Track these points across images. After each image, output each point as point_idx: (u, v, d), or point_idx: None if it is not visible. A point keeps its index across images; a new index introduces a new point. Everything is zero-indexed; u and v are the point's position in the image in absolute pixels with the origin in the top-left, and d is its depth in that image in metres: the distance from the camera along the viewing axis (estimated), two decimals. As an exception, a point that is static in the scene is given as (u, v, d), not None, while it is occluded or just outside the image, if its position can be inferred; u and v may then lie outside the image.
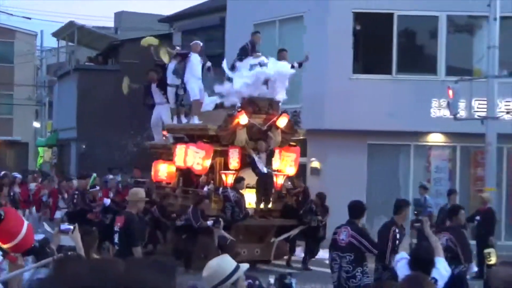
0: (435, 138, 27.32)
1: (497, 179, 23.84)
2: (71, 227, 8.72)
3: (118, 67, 40.55)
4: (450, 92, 22.73)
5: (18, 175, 30.05)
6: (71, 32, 45.44)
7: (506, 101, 25.51)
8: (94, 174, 26.83)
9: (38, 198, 29.46)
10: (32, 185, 30.75)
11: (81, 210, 22.17)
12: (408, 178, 27.17)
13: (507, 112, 25.39)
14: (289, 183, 22.11)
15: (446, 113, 24.27)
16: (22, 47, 57.08)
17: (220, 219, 19.31)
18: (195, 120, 22.26)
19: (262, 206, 20.83)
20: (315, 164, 28.07)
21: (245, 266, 5.91)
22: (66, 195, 26.73)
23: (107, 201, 22.46)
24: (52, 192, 28.96)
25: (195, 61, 22.90)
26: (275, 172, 21.12)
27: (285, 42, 29.69)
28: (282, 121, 21.20)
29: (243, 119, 20.36)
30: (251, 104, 21.25)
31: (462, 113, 23.68)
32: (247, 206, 20.52)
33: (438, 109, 26.06)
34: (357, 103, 26.87)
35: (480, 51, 24.53)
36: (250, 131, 20.93)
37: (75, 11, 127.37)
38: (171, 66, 23.78)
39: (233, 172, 20.77)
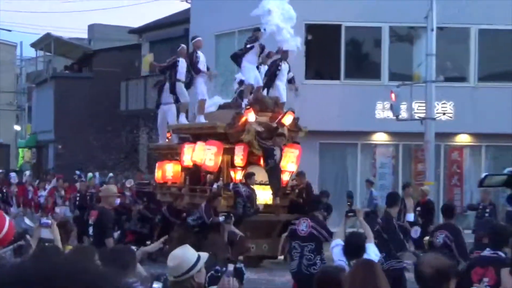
0: (380, 137, 27.43)
1: (436, 174, 24.00)
2: (50, 221, 8.73)
3: (91, 75, 40.47)
4: (393, 95, 22.85)
5: (14, 175, 29.33)
6: (48, 43, 45.10)
7: (443, 103, 25.72)
8: (90, 174, 26.41)
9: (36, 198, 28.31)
10: (53, 182, 28.70)
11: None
12: (356, 173, 27.25)
13: (444, 113, 25.62)
14: (293, 180, 21.03)
15: (389, 114, 24.39)
16: (4, 57, 56.64)
17: (231, 215, 17.85)
18: (201, 119, 20.65)
19: (273, 200, 19.69)
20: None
21: (205, 255, 5.82)
22: (62, 192, 26.22)
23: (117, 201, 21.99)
24: (50, 191, 27.59)
25: (202, 59, 21.24)
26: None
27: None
28: (287, 119, 20.08)
29: (251, 116, 19.23)
30: (258, 102, 20.02)
31: (403, 115, 23.76)
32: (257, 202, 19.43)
33: (382, 111, 26.15)
34: (310, 106, 26.87)
35: (419, 59, 24.64)
36: (259, 128, 19.67)
37: (51, 23, 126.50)
38: (183, 64, 21.35)
39: (241, 168, 19.55)
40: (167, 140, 22.93)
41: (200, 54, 21.09)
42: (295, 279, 13.12)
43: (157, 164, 22.65)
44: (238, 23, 29.38)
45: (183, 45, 21.91)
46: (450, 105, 26.42)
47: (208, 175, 20.19)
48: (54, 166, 38.86)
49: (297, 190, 20.74)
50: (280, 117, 19.96)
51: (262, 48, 20.81)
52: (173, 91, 21.27)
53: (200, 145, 19.61)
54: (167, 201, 21.06)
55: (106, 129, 36.61)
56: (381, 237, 12.50)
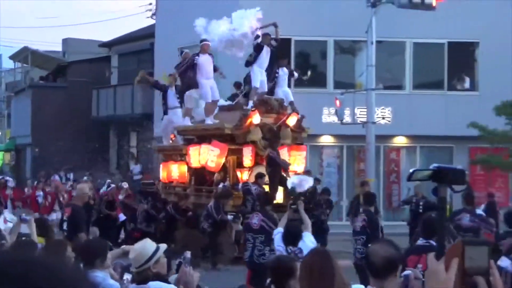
0: (326, 140, 27.56)
1: (376, 172, 24.16)
2: (28, 217, 8.74)
3: (65, 84, 40.16)
4: (337, 102, 22.96)
5: (10, 179, 28.27)
6: (25, 55, 44.72)
7: (382, 109, 25.94)
8: (85, 178, 25.60)
9: (34, 199, 26.39)
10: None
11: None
12: (305, 172, 27.37)
13: (383, 118, 25.87)
14: None
15: (334, 119, 24.49)
16: (-15, 69, 56.07)
17: (240, 215, 17.05)
18: (209, 121, 19.13)
19: (283, 199, 17.90)
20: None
21: (163, 246, 5.85)
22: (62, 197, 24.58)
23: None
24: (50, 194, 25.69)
25: (206, 62, 19.49)
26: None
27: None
28: (292, 120, 18.97)
29: (256, 118, 17.91)
30: (263, 104, 18.75)
31: (347, 119, 23.81)
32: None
33: (328, 116, 26.26)
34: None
35: (361, 69, 24.78)
36: (263, 129, 18.36)
37: (29, 38, 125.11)
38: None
39: (248, 169, 18.26)
40: (171, 141, 21.69)
41: (204, 57, 19.50)
42: (249, 268, 13.17)
43: (161, 165, 21.50)
44: (199, 37, 29.31)
45: (206, 41, 19.76)
46: (388, 110, 26.69)
47: (215, 175, 18.86)
48: (31, 169, 38.47)
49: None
50: (284, 118, 18.96)
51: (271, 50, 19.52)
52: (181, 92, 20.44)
53: (204, 146, 18.47)
54: (172, 201, 19.77)
55: (79, 133, 36.54)
56: (366, 233, 12.61)
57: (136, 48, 36.32)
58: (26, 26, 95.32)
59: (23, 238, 8.23)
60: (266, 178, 17.82)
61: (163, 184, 21.10)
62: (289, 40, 27.94)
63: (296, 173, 18.64)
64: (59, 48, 50.00)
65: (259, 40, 19.15)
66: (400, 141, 27.98)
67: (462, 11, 25.65)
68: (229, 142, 18.33)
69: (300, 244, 9.02)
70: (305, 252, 8.47)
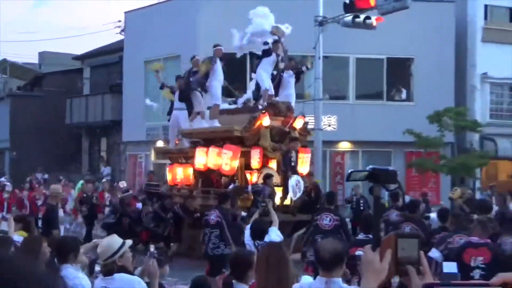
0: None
1: (322, 174, 24.30)
2: (8, 216, 8.72)
3: (41, 94, 39.76)
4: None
5: (7, 182, 27.03)
6: (4, 67, 44.11)
7: (328, 117, 26.11)
8: (81, 181, 23.80)
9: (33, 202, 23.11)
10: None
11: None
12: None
13: (329, 125, 26.06)
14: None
15: (286, 126, 24.61)
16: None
17: (247, 217, 14.97)
18: (216, 123, 17.49)
19: (287, 202, 16.76)
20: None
21: (129, 242, 5.83)
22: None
23: (139, 205, 19.65)
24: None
25: (219, 66, 18.17)
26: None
27: (167, 74, 29.59)
28: (298, 123, 17.66)
29: (265, 120, 16.53)
30: (272, 107, 17.18)
31: (297, 126, 23.92)
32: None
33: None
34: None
35: (309, 81, 24.84)
36: (272, 132, 17.03)
37: (8, 50, 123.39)
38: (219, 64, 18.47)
39: (257, 171, 16.74)
40: (175, 143, 19.87)
41: (218, 61, 18.04)
42: (206, 260, 13.15)
43: (167, 167, 19.69)
44: (163, 51, 29.28)
45: (219, 46, 18.26)
46: (334, 118, 26.90)
47: (223, 178, 17.20)
48: (10, 171, 37.92)
49: (307, 191, 17.88)
50: (291, 121, 17.66)
51: (279, 58, 18.26)
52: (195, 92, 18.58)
53: (213, 149, 16.66)
54: (179, 202, 18.10)
55: (54, 138, 36.27)
56: (339, 232, 12.36)
57: (106, 61, 36.16)
58: (5, 40, 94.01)
59: (0, 235, 8.17)
60: (274, 179, 16.57)
61: (169, 186, 19.38)
62: (244, 55, 28.00)
63: (302, 175, 17.39)
64: (35, 60, 49.50)
65: (269, 46, 18.12)
66: (344, 146, 28.24)
67: (399, 31, 26.00)
68: (237, 144, 16.89)
69: (266, 238, 9.05)
70: None
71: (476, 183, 27.10)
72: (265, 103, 17.40)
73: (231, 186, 16.74)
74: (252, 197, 15.70)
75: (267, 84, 17.72)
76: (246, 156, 16.83)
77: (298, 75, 19.72)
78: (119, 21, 33.93)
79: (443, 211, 11.61)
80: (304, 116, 18.34)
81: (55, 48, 42.19)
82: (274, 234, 9.24)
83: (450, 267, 6.07)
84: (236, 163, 16.19)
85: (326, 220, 12.40)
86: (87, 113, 35.52)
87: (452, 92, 28.64)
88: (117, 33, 35.12)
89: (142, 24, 30.35)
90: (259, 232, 9.37)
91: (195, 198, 17.59)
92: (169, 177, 19.33)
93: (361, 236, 9.30)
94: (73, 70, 39.33)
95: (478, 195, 23.67)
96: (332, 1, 22.04)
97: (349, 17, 19.99)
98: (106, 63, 36.19)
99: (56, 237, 10.08)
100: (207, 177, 17.93)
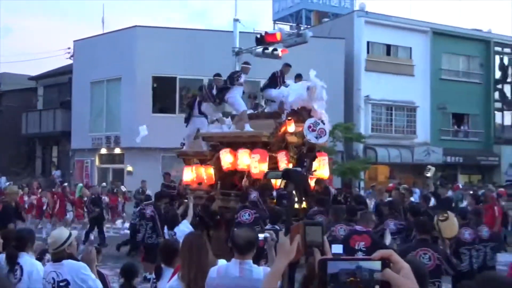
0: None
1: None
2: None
3: (1, 109, 38.54)
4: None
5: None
6: (-32, 85, 42.50)
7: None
8: (80, 185, 21.19)
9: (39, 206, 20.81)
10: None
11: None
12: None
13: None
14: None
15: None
16: None
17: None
18: (247, 127, 14.30)
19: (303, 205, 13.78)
20: (130, 168, 27.61)
21: (75, 233, 5.69)
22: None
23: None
24: (59, 197, 20.39)
25: (242, 82, 14.87)
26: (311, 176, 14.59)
27: (109, 97, 29.31)
28: None
29: (291, 127, 14.16)
30: (295, 114, 14.45)
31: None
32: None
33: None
34: (156, 130, 26.72)
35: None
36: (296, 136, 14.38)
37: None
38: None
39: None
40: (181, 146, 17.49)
41: (243, 77, 14.91)
42: (143, 247, 12.90)
43: (184, 168, 16.98)
44: (106, 74, 28.86)
45: (247, 64, 15.49)
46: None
47: (244, 180, 14.37)
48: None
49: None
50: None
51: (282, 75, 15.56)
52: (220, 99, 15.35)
53: (243, 151, 14.13)
54: (200, 203, 14.56)
55: (12, 147, 35.32)
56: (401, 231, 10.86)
57: (58, 81, 35.45)
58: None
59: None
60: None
61: (185, 186, 16.50)
62: (175, 78, 27.95)
63: (326, 179, 15.10)
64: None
65: (281, 69, 15.66)
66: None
67: (300, 61, 26.30)
68: (262, 149, 14.35)
69: (176, 229, 9.08)
70: (178, 234, 8.53)
71: (361, 183, 27.75)
72: (286, 112, 14.67)
73: (253, 196, 12.77)
74: (275, 201, 13.40)
75: (243, 104, 15.14)
76: (270, 160, 14.18)
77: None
78: (69, 48, 33.31)
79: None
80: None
81: (13, 70, 40.72)
82: (184, 226, 9.20)
83: (337, 248, 6.19)
84: (265, 167, 13.86)
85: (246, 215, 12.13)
86: (41, 125, 34.74)
87: (342, 111, 29.37)
88: (67, 58, 34.48)
89: (89, 51, 29.81)
90: (172, 223, 9.48)
91: (213, 200, 14.65)
92: (185, 178, 16.51)
93: (268, 226, 9.37)
94: (29, 89, 38.28)
95: (362, 193, 24.20)
96: (246, 35, 22.26)
97: (260, 49, 20.15)
98: (57, 83, 35.44)
99: (11, 230, 9.74)
100: (227, 179, 15.10)
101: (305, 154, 14.46)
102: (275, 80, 15.28)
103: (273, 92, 15.16)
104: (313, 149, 14.67)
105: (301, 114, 14.58)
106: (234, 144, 14.56)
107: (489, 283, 2.54)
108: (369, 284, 1.32)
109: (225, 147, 14.56)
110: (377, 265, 1.33)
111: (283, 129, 14.27)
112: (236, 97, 14.90)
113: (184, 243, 4.93)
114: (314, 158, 14.56)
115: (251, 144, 14.09)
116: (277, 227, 8.81)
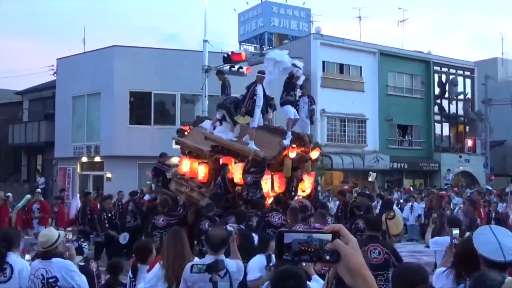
0: (175, 160, 27.36)
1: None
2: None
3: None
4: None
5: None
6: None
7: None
8: (28, 196, 18.30)
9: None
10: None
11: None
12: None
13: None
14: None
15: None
16: None
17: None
18: (252, 145, 12.73)
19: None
20: (109, 175, 27.29)
21: (63, 233, 5.63)
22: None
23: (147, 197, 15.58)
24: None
25: (260, 92, 13.25)
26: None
27: (90, 110, 28.94)
28: (315, 154, 13.91)
29: (292, 154, 12.87)
30: (298, 139, 13.24)
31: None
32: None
33: (176, 145, 26.03)
34: (132, 140, 26.58)
35: (199, 113, 24.97)
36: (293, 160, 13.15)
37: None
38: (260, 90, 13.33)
39: (279, 193, 12.67)
40: (186, 133, 15.86)
41: (259, 87, 13.32)
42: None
43: (180, 158, 15.48)
44: (87, 89, 28.55)
45: (262, 74, 13.76)
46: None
47: (236, 188, 12.88)
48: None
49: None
50: (309, 152, 13.72)
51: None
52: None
53: (238, 165, 12.90)
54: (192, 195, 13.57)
55: (-1, 156, 34.58)
56: None
57: (42, 95, 34.88)
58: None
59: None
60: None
61: (178, 173, 15.02)
62: (150, 93, 27.81)
63: (303, 197, 13.40)
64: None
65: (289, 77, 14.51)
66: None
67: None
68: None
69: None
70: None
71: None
72: (292, 132, 13.60)
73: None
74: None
75: (292, 113, 13.64)
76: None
77: (309, 108, 14.90)
78: (52, 65, 32.88)
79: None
80: (320, 148, 15.30)
81: (1, 86, 39.84)
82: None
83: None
84: (266, 185, 12.74)
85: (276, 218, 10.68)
86: (26, 136, 34.13)
87: (301, 122, 29.50)
88: (50, 74, 33.98)
89: (71, 68, 29.46)
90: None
91: (204, 196, 13.29)
92: (180, 166, 14.97)
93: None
94: (15, 103, 37.53)
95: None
96: (215, 55, 22.32)
97: (227, 67, 20.22)
98: (42, 97, 34.87)
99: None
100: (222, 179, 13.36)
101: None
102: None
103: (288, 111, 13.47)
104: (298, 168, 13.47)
105: (303, 139, 13.51)
106: (234, 154, 13.31)
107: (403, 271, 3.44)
108: (319, 252, 1.37)
109: (225, 154, 13.39)
110: (328, 237, 1.38)
111: (284, 153, 13.05)
112: (255, 113, 13.15)
113: (167, 237, 5.25)
114: (300, 180, 13.50)
115: (252, 161, 12.54)
116: (242, 226, 8.86)
